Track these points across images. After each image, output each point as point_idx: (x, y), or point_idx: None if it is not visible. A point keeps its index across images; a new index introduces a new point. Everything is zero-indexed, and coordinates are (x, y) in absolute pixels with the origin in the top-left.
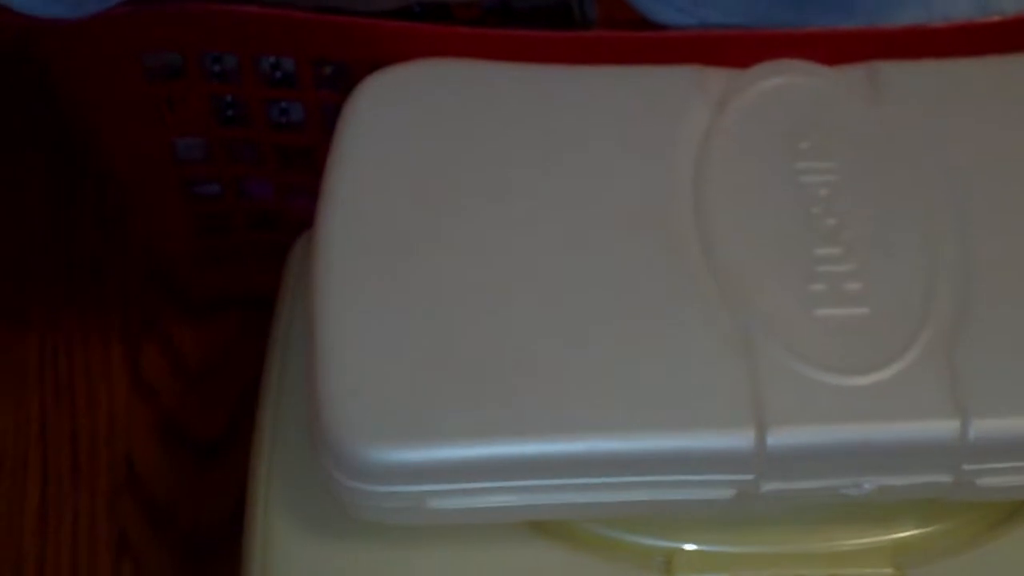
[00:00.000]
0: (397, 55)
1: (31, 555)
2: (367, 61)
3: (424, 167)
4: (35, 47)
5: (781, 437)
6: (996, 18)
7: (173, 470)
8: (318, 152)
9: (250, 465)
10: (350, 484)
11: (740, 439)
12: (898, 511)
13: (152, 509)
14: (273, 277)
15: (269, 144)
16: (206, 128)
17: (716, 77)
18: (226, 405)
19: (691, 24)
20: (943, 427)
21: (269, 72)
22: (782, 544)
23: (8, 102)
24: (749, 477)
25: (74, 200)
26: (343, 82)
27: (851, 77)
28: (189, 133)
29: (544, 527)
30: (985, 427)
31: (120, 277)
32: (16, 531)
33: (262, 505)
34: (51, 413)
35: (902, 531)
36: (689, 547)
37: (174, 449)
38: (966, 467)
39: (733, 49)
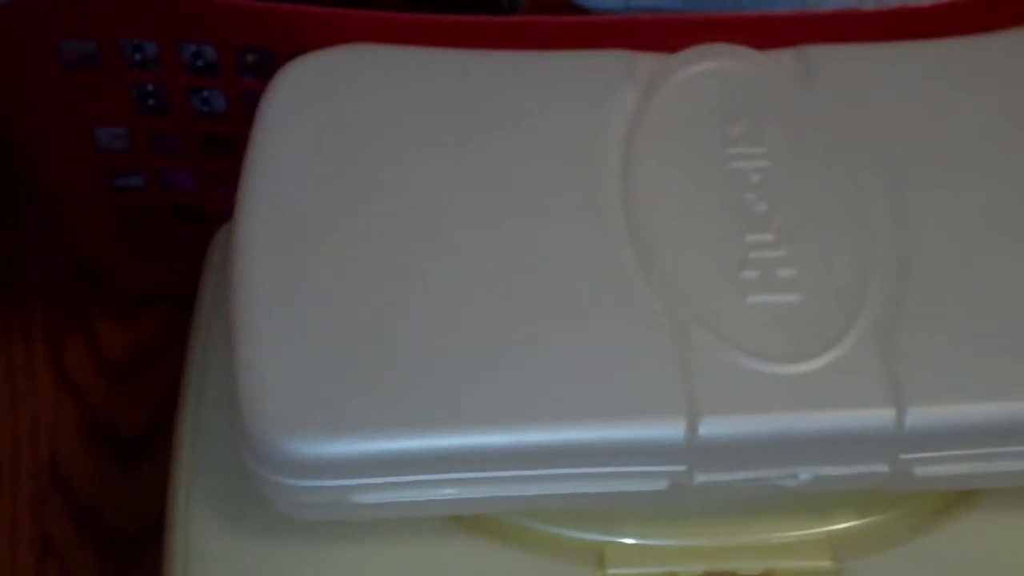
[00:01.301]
0: (321, 41)
1: None
2: (290, 48)
3: (345, 155)
4: None
5: (713, 427)
6: (926, 3)
7: (98, 469)
8: (241, 142)
9: (171, 462)
10: (272, 479)
11: (671, 429)
12: (835, 502)
13: (77, 509)
14: (197, 272)
15: (192, 134)
16: (127, 118)
17: (644, 62)
18: (152, 402)
19: (619, 8)
20: (879, 416)
21: (191, 60)
22: (718, 537)
23: None
24: (681, 468)
25: None
26: (267, 70)
27: (781, 61)
28: (110, 123)
29: (472, 522)
30: (922, 415)
31: (42, 273)
32: None
33: (183, 502)
34: None
35: (840, 523)
36: (623, 541)
37: (99, 448)
38: (903, 456)
39: (661, 34)
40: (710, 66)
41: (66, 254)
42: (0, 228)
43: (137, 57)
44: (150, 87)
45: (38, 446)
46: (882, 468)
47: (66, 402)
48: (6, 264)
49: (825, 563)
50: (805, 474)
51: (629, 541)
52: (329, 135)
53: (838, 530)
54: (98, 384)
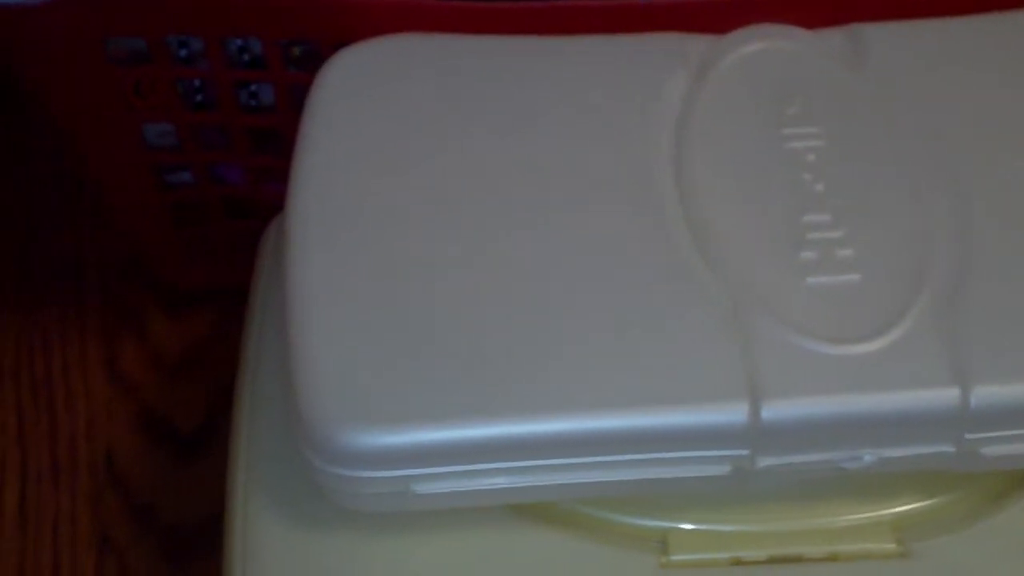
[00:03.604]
0: (366, 32)
1: (12, 556)
2: (336, 40)
3: (395, 144)
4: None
5: (776, 410)
6: None
7: (154, 465)
8: (290, 134)
9: (229, 458)
10: (332, 471)
11: (733, 413)
12: (899, 484)
13: (133, 505)
14: (249, 267)
15: (240, 128)
16: (175, 114)
17: (695, 44)
18: (206, 397)
19: None
20: (943, 395)
21: (237, 54)
22: (781, 521)
23: None
24: (744, 452)
25: (48, 194)
26: (313, 62)
27: (832, 40)
28: (158, 119)
29: (533, 510)
30: (986, 394)
31: (95, 272)
32: None
33: (242, 497)
34: (29, 412)
35: (904, 505)
36: (686, 527)
37: (154, 444)
38: (968, 436)
39: (710, 16)
40: (762, 47)
41: (118, 251)
42: (53, 227)
43: (183, 53)
44: (197, 82)
45: (94, 443)
46: (947, 448)
47: (121, 399)
48: (60, 263)
49: (890, 545)
50: (869, 456)
51: (692, 527)
52: (379, 125)
53: (902, 512)
54: (152, 380)
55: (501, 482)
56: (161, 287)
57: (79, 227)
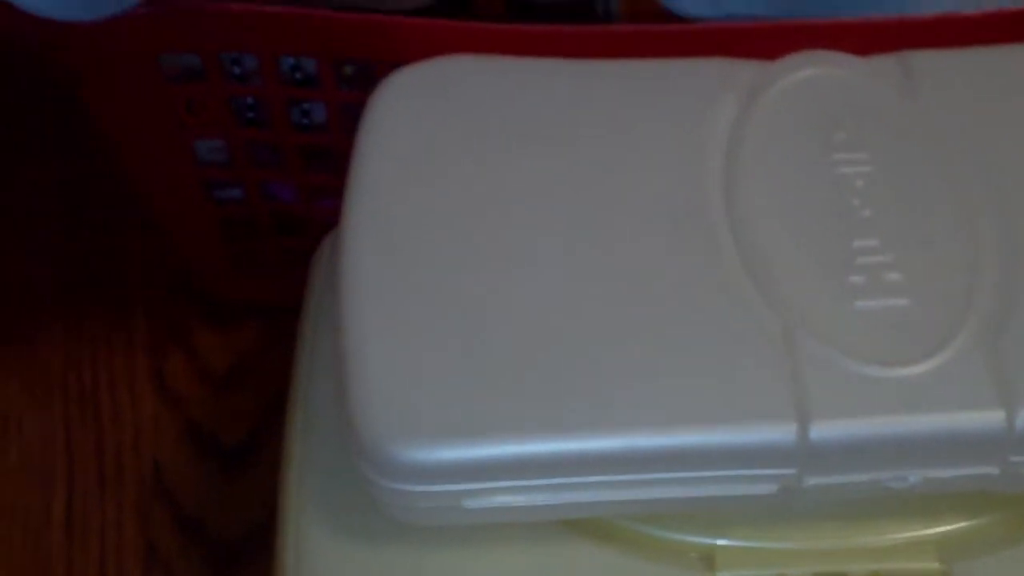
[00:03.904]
0: (419, 53)
1: (59, 567)
2: (389, 60)
3: (448, 164)
4: (53, 51)
5: (824, 430)
6: None
7: (201, 478)
8: (341, 153)
9: (281, 470)
10: (385, 484)
11: (782, 433)
12: (943, 504)
13: (181, 518)
14: (298, 283)
15: (291, 146)
16: (227, 130)
17: (744, 69)
18: (253, 412)
19: (716, 16)
20: (989, 418)
21: (289, 73)
22: (826, 539)
23: (27, 108)
24: (792, 471)
25: (97, 208)
26: (365, 81)
27: (882, 67)
28: (209, 136)
29: (582, 525)
30: None
31: (144, 285)
32: (44, 543)
33: (294, 510)
34: (76, 423)
35: (948, 524)
36: (732, 543)
37: (201, 457)
38: (1013, 458)
39: (759, 40)
40: (811, 73)
41: (167, 266)
42: (102, 240)
43: (237, 70)
44: (250, 100)
45: (141, 456)
46: (992, 470)
47: (168, 413)
48: (108, 276)
49: (933, 565)
50: (915, 476)
51: (739, 544)
52: (432, 145)
53: (946, 532)
54: (199, 394)
55: (550, 498)
56: (209, 301)
57: (128, 240)
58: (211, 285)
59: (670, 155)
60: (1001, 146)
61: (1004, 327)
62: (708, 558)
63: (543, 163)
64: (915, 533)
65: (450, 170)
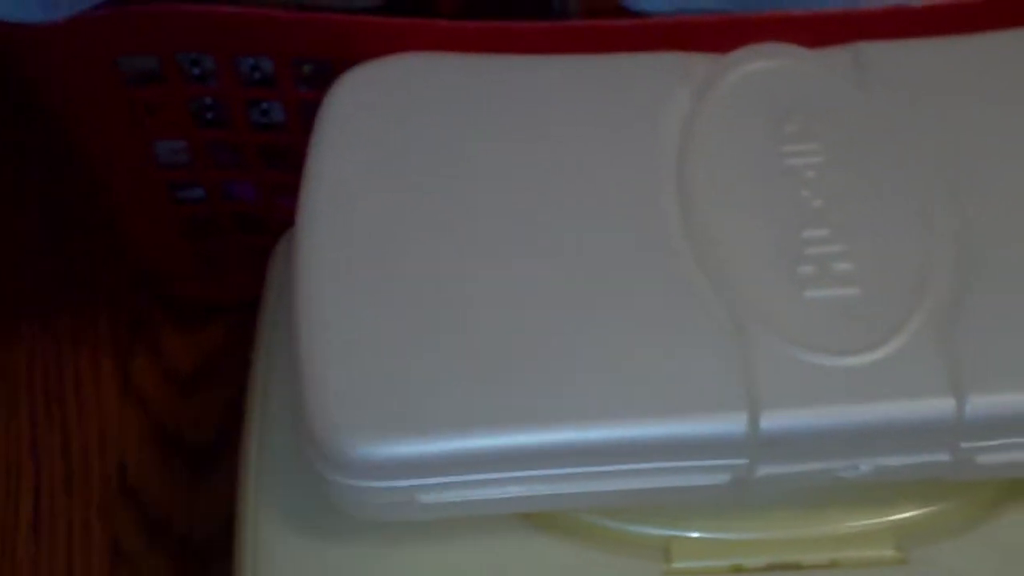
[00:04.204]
0: (376, 51)
1: (25, 567)
2: (347, 58)
3: (404, 162)
4: (11, 52)
5: (774, 420)
6: None
7: (166, 478)
8: (301, 152)
9: (239, 470)
10: (340, 481)
11: (733, 423)
12: (899, 492)
13: (146, 517)
14: (261, 281)
15: (251, 145)
16: (187, 131)
17: (697, 62)
18: (218, 411)
19: (669, 10)
20: (939, 405)
21: (248, 73)
22: (782, 529)
23: None
24: (743, 461)
25: (60, 208)
26: (323, 81)
27: (834, 59)
28: (169, 136)
29: (540, 519)
30: (982, 404)
31: (108, 286)
32: (10, 543)
33: (252, 508)
34: (42, 424)
35: (903, 512)
36: (688, 535)
37: (167, 456)
38: (964, 445)
39: (713, 34)
40: (763, 65)
41: (130, 266)
42: (64, 241)
43: (196, 71)
44: (209, 100)
45: (106, 456)
46: (944, 457)
47: (134, 413)
48: (74, 277)
49: (889, 552)
50: (867, 465)
51: (694, 535)
52: (387, 142)
53: (902, 519)
54: (164, 394)
55: (504, 492)
56: (173, 301)
57: (92, 241)
58: (175, 285)
59: (624, 148)
60: (952, 136)
61: (954, 315)
62: (665, 550)
63: (498, 159)
64: (871, 521)
65: (404, 166)
